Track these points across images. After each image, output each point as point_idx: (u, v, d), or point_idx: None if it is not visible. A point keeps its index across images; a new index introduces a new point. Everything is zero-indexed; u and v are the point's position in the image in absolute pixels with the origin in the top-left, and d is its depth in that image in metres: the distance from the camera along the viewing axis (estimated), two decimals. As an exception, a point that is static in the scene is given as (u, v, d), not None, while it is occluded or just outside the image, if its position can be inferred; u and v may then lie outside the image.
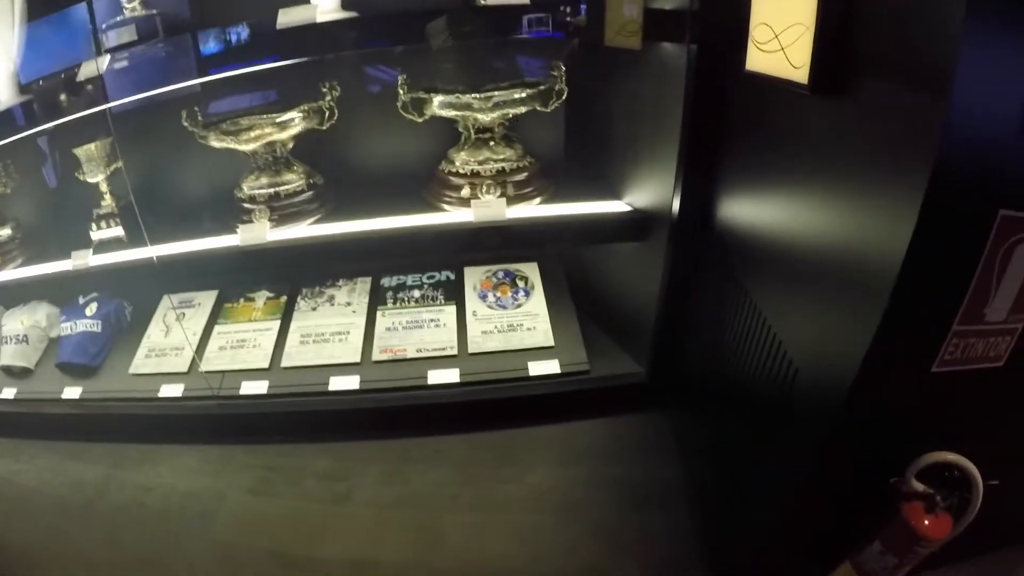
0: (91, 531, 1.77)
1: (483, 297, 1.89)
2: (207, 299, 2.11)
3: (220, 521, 1.68)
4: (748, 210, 1.20)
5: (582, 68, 1.73)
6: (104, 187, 2.07)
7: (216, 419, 1.87)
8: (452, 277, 1.96)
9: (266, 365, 1.88)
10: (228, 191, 1.97)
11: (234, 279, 2.14)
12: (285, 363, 1.86)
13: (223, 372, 1.90)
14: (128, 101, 1.85)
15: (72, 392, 2.09)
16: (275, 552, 1.55)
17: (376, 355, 1.81)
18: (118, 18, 1.81)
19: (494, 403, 1.75)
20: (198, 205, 2.07)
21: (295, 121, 1.78)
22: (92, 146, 2.03)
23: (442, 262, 2.00)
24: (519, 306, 1.87)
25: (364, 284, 1.98)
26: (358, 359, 1.81)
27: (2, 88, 2.09)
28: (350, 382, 1.77)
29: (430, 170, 1.85)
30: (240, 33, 1.86)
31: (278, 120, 1.76)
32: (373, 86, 1.92)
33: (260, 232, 1.73)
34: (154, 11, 1.83)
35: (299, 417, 1.79)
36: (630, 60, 1.54)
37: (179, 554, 1.62)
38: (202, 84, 1.91)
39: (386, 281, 1.97)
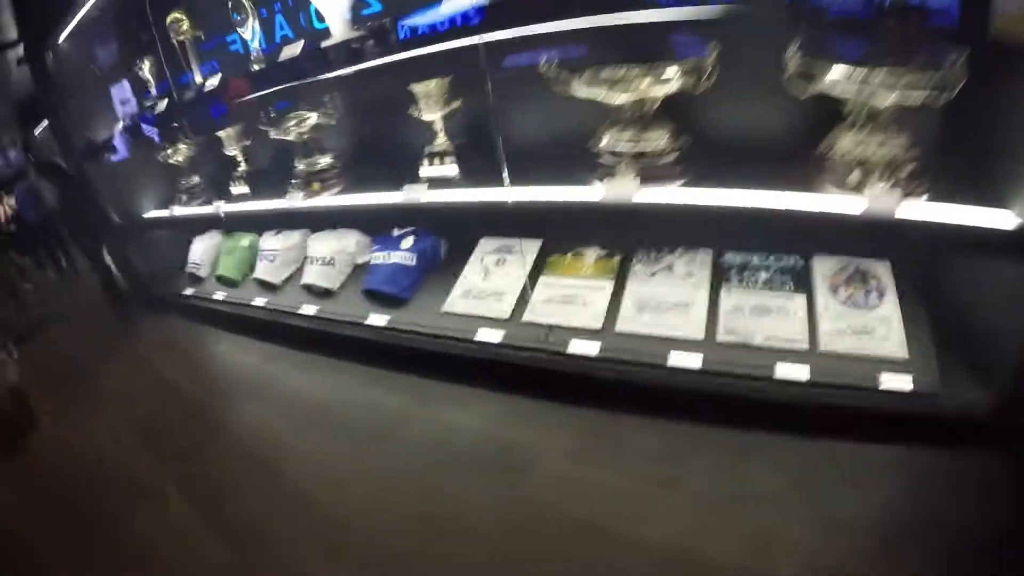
0: (388, 458, 1.80)
1: (834, 292, 1.72)
2: (529, 248, 2.08)
3: (532, 479, 1.65)
4: None
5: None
6: (439, 125, 2.09)
7: (535, 372, 1.84)
8: (801, 264, 1.79)
9: (598, 326, 1.82)
10: (567, 141, 1.91)
11: (560, 232, 2.09)
12: (619, 327, 1.79)
13: (550, 327, 1.86)
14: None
15: (377, 320, 2.14)
16: (591, 523, 1.49)
17: (721, 336, 1.69)
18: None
19: (840, 411, 1.58)
20: (531, 152, 2.02)
21: (674, 78, 1.68)
22: (432, 83, 2.05)
23: (788, 245, 1.83)
24: (872, 308, 1.68)
25: (705, 256, 1.86)
26: (701, 336, 1.71)
27: (335, 23, 2.17)
28: (692, 360, 1.66)
29: (793, 148, 1.69)
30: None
31: (660, 76, 1.67)
32: (754, 52, 1.77)
33: (628, 189, 1.66)
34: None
35: (629, 387, 1.72)
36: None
37: (487, 502, 1.61)
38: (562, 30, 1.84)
39: (729, 257, 1.84)
